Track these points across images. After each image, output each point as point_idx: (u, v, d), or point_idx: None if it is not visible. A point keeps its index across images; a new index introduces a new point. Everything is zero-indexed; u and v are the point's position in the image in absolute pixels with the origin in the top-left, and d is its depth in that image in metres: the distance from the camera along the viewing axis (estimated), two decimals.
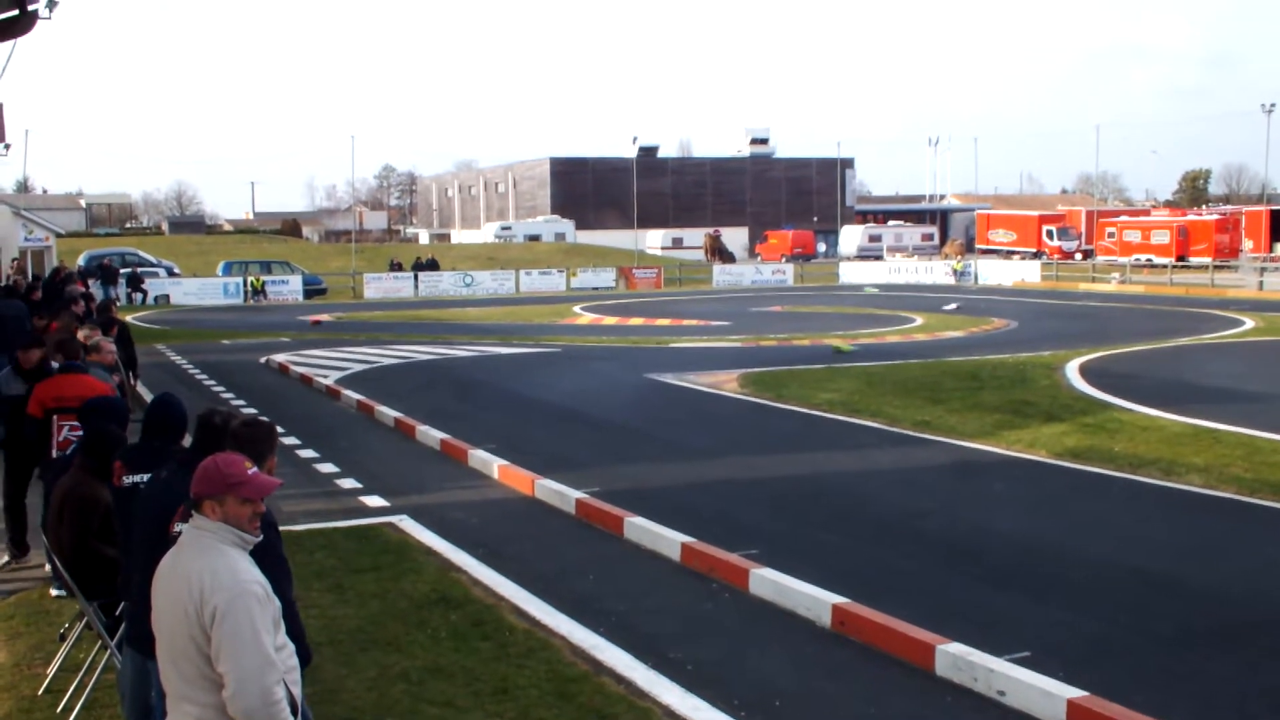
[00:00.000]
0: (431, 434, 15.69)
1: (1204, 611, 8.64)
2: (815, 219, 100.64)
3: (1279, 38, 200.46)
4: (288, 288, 52.65)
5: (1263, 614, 8.58)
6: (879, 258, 78.11)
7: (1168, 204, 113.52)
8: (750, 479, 13.38)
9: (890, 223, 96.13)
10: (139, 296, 48.81)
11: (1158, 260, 64.92)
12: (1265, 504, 11.75)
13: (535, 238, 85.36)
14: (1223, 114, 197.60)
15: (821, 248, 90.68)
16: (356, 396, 19.26)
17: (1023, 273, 59.01)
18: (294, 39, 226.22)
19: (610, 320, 38.62)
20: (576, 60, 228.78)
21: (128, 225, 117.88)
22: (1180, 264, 64.00)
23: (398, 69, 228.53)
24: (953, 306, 40.56)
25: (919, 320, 35.73)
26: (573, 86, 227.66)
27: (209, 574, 3.95)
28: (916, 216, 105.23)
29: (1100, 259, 67.91)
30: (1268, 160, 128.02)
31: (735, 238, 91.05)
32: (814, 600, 8.52)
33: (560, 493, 12.16)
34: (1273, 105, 74.12)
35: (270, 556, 4.43)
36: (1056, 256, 73.04)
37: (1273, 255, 56.61)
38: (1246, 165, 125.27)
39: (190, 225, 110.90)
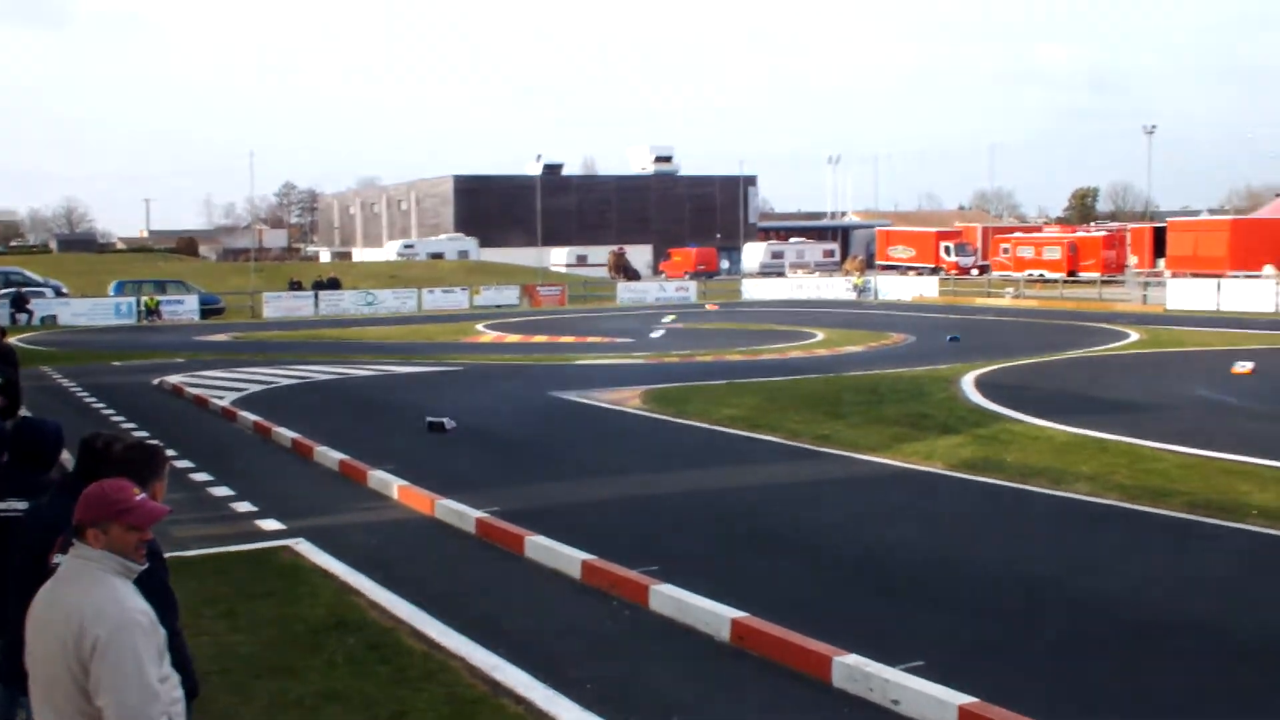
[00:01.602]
0: (330, 455, 15.52)
1: (1091, 617, 8.82)
2: (719, 236, 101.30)
3: (1160, 63, 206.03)
4: (183, 307, 51.74)
5: (1146, 618, 8.79)
6: (781, 274, 78.90)
7: (1059, 221, 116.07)
8: (652, 496, 13.42)
9: (792, 240, 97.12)
10: (23, 317, 47.51)
11: (1050, 275, 66.36)
12: (1146, 510, 12.07)
13: (439, 255, 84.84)
14: (1109, 135, 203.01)
15: (725, 264, 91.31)
16: (253, 418, 18.98)
17: (921, 288, 59.98)
18: (190, 54, 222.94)
19: (513, 338, 38.54)
20: (481, 78, 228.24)
21: (13, 244, 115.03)
22: (1071, 279, 65.49)
23: (299, 85, 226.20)
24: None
25: (820, 335, 36.13)
26: (478, 104, 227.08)
27: (90, 605, 3.83)
28: (818, 233, 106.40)
29: (996, 274, 69.22)
30: (1150, 179, 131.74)
31: (640, 255, 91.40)
32: (713, 615, 8.57)
33: (460, 512, 12.09)
34: (1154, 127, 76.27)
35: (155, 585, 4.33)
36: (954, 272, 74.33)
37: (1156, 270, 58.09)
38: (1131, 184, 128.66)
39: (80, 243, 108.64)
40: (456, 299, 58.05)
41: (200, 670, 5.17)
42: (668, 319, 40.61)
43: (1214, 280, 49.44)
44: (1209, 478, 13.42)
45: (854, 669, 7.40)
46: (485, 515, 11.81)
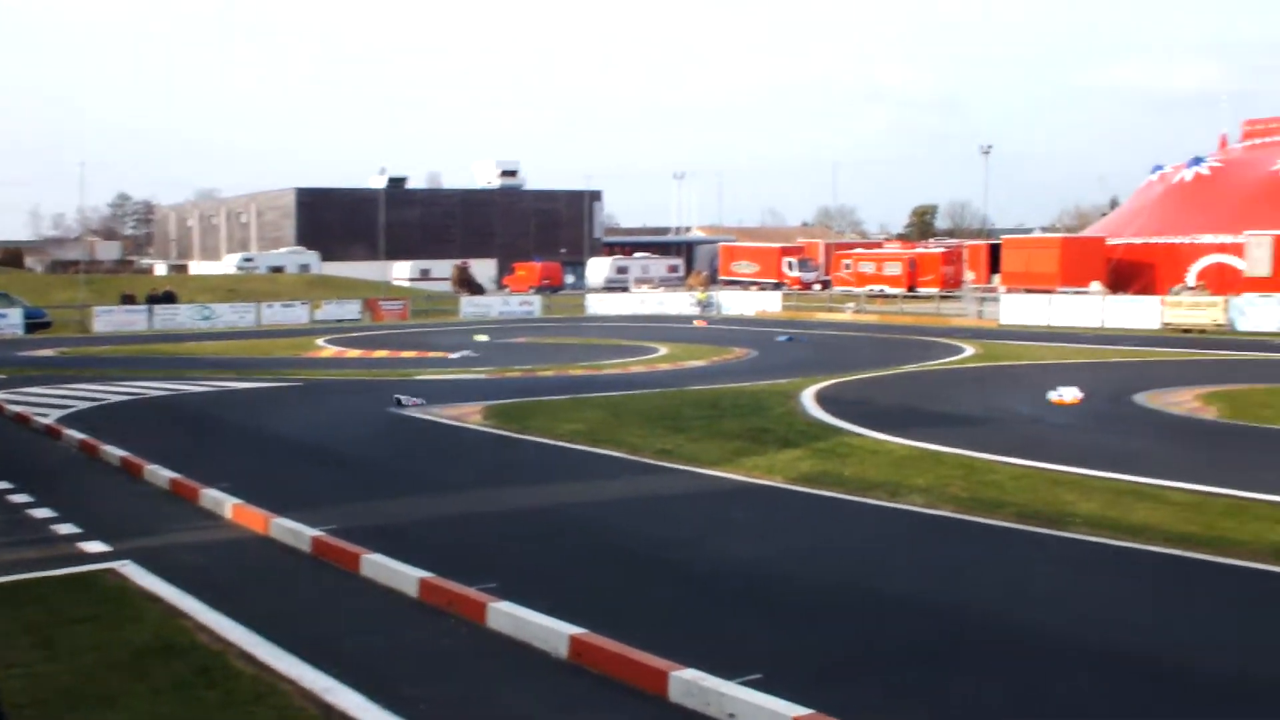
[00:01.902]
0: (160, 473, 15.01)
1: (928, 627, 8.98)
2: (563, 251, 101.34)
3: (996, 85, 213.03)
4: (6, 321, 49.69)
5: (980, 626, 8.98)
6: (626, 289, 79.25)
7: (899, 237, 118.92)
8: (493, 512, 13.29)
9: (637, 255, 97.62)
10: None
11: (890, 290, 67.98)
12: (980, 520, 12.38)
13: (279, 269, 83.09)
14: (949, 154, 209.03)
15: (570, 279, 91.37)
16: (79, 436, 18.28)
17: (764, 303, 60.83)
18: (15, 60, 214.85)
19: (354, 353, 37.94)
20: (325, 90, 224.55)
21: None
22: (910, 294, 67.18)
23: (132, 94, 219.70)
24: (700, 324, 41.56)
25: (663, 350, 36.34)
26: (321, 117, 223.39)
27: None
28: (663, 249, 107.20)
29: (837, 289, 70.67)
30: (986, 196, 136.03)
31: (484, 269, 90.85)
32: (551, 632, 8.49)
33: (296, 531, 11.80)
34: (990, 147, 78.67)
35: None
36: (796, 287, 75.62)
37: (991, 286, 59.88)
38: (969, 201, 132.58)
39: None
40: (297, 313, 56.96)
41: (11, 704, 4.92)
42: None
43: (1045, 296, 51.18)
44: (1037, 489, 13.82)
45: (691, 683, 7.39)
46: (321, 533, 11.55)
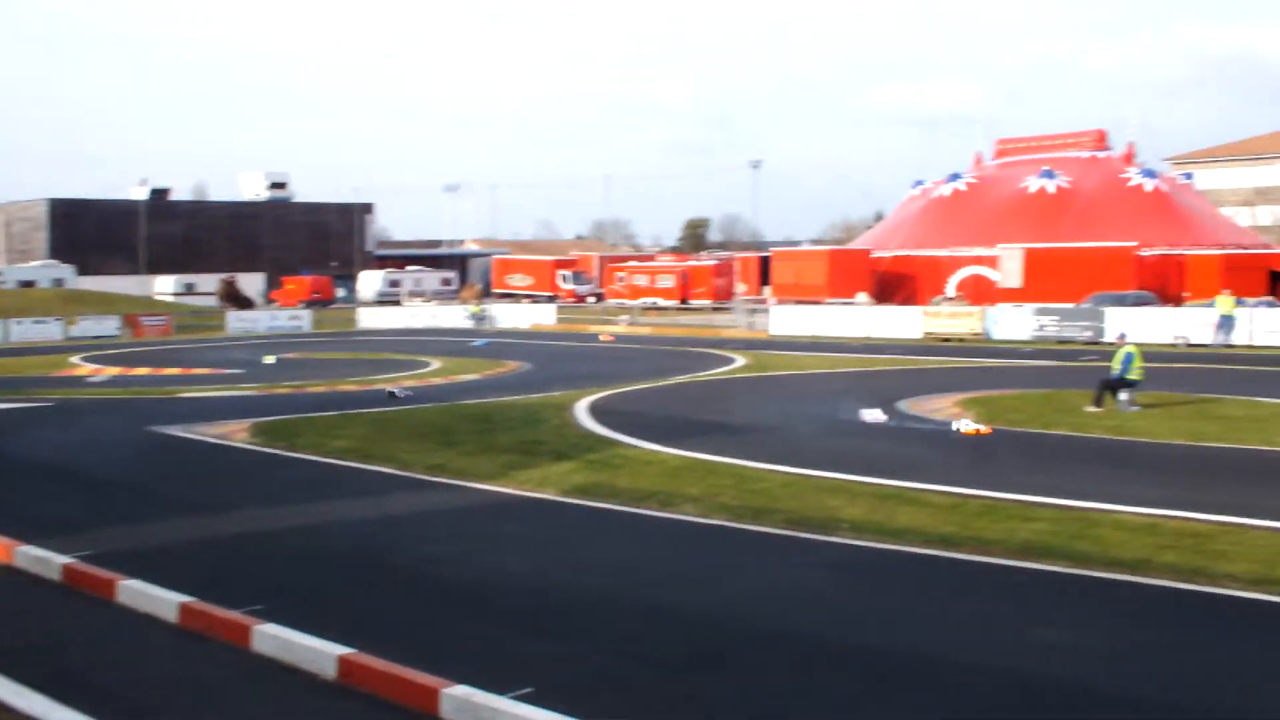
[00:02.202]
0: None
1: (702, 637, 9.07)
2: (334, 264, 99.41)
3: (767, 103, 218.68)
4: None
5: (755, 636, 9.12)
6: (398, 302, 78.23)
7: (672, 250, 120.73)
8: (260, 532, 12.88)
9: (410, 268, 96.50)
10: None
11: (663, 303, 68.98)
12: (750, 528, 12.63)
13: (30, 283, 78.91)
14: (721, 168, 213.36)
15: (341, 293, 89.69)
16: None
17: (538, 316, 60.89)
18: None
19: (113, 370, 36.30)
20: (81, 99, 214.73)
21: None
22: (683, 306, 68.31)
23: None
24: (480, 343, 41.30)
25: (436, 364, 35.97)
26: (76, 126, 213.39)
27: None
28: (436, 261, 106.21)
29: (611, 302, 71.25)
30: (757, 210, 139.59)
31: (252, 283, 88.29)
32: (319, 653, 8.25)
33: (44, 559, 11.18)
34: (760, 162, 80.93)
35: None
36: (570, 300, 75.97)
37: (762, 298, 61.36)
38: (740, 215, 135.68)
39: None
40: (49, 330, 54.26)
41: None
42: (269, 359, 39.12)
43: (814, 307, 52.74)
44: (806, 495, 14.16)
45: (462, 700, 7.29)
46: (73, 560, 10.98)
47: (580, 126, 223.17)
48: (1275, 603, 9.74)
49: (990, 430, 19.53)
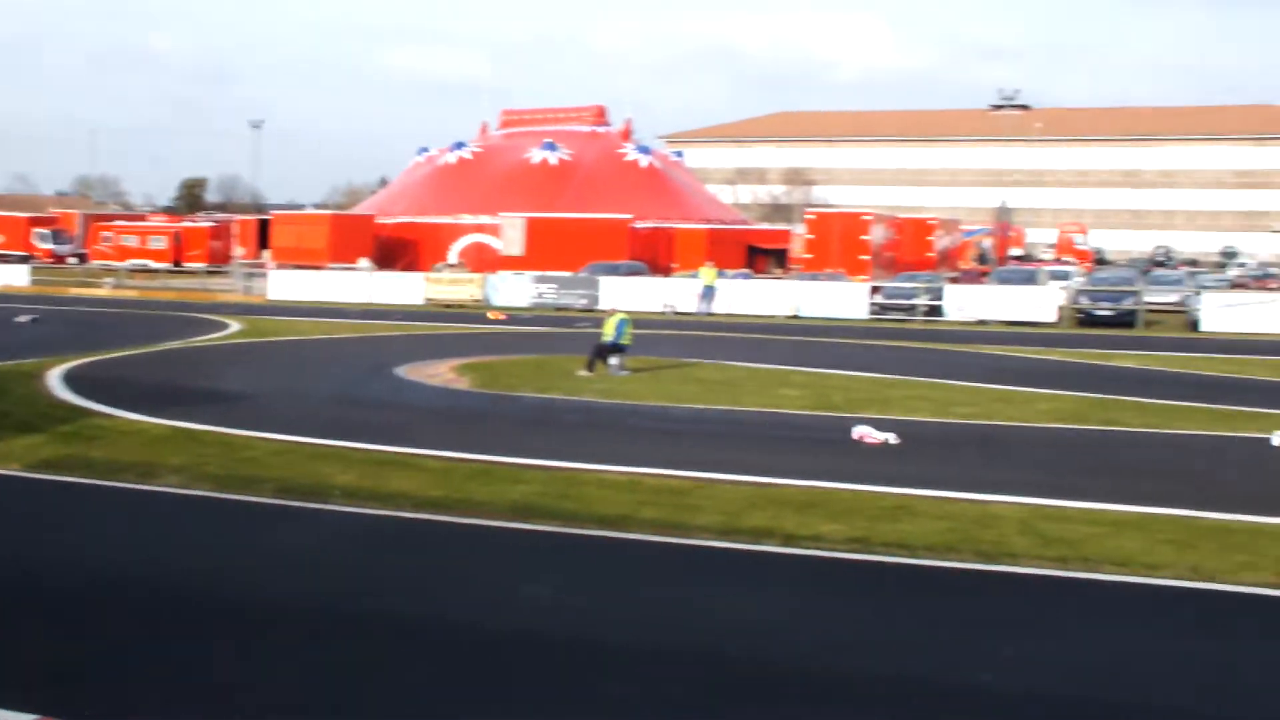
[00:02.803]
0: None
1: (164, 605, 8.55)
2: None
3: (271, 61, 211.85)
4: None
5: (226, 599, 8.69)
6: None
7: (166, 210, 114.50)
8: None
9: None
10: None
11: (154, 265, 65.38)
12: (238, 498, 12.12)
13: None
14: (222, 127, 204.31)
15: None
16: None
17: (11, 277, 56.05)
18: None
19: None
20: None
21: None
22: (177, 269, 65.06)
23: None
24: None
25: None
26: None
27: None
28: None
29: (96, 263, 66.62)
30: (258, 171, 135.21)
31: None
32: None
33: None
34: (262, 122, 78.45)
35: None
36: (48, 260, 70.42)
37: (261, 262, 59.41)
38: (240, 176, 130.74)
39: None
40: None
41: None
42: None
43: (315, 272, 51.60)
44: (297, 463, 13.80)
45: None
46: None
47: (59, 75, 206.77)
48: (737, 549, 10.45)
49: (476, 388, 19.82)
